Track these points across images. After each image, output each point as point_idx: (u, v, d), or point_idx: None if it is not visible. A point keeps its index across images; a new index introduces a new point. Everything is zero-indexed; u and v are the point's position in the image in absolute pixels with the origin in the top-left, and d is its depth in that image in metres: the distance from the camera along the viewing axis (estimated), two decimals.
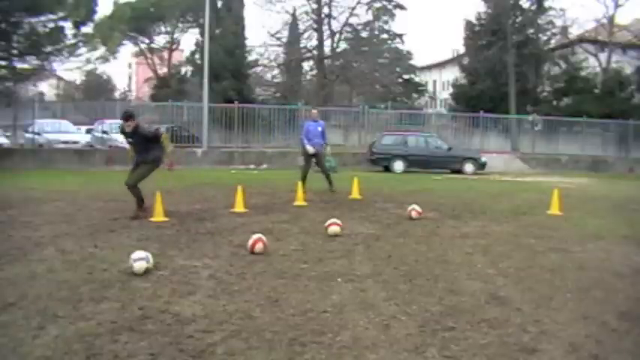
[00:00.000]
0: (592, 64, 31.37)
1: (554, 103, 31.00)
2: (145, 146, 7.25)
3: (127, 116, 7.17)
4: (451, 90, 35.80)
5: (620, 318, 3.74)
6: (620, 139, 25.61)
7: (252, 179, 13.80)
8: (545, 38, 31.64)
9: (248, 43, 32.88)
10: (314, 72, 36.66)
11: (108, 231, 6.34)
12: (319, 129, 11.00)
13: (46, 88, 43.82)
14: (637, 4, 57.91)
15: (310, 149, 10.91)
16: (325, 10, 34.11)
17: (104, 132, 20.99)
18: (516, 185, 14.82)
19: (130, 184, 7.30)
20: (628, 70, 30.42)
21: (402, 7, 37.95)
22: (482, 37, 31.11)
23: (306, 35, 35.36)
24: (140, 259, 4.46)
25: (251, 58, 34.24)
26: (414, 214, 7.80)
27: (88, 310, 3.59)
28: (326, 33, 34.67)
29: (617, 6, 30.18)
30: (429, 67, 56.70)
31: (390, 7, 37.71)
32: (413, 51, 53.75)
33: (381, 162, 19.37)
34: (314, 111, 11.73)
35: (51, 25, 20.35)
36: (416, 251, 5.69)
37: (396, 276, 4.69)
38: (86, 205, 8.55)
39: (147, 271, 4.45)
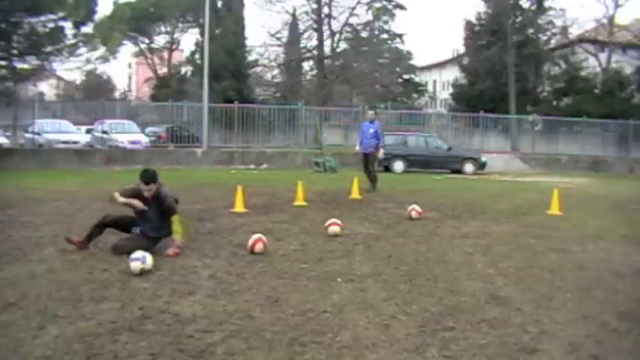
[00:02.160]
0: (592, 64, 31.39)
1: (554, 103, 31.04)
2: (160, 216, 5.28)
3: (148, 178, 5.17)
4: (451, 90, 35.83)
5: (620, 318, 3.73)
6: (620, 139, 25.63)
7: (252, 179, 13.80)
8: (545, 38, 31.68)
9: (248, 43, 32.97)
10: (314, 72, 36.67)
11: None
12: (371, 130, 11.23)
13: (46, 88, 43.85)
14: (637, 4, 58.00)
15: (357, 149, 11.44)
16: (325, 10, 34.13)
17: (104, 132, 20.99)
18: (516, 185, 14.82)
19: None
20: (628, 70, 30.45)
21: (402, 7, 38.02)
22: (482, 37, 31.14)
23: (306, 35, 35.41)
24: (136, 260, 4.46)
25: (251, 58, 34.28)
26: (414, 214, 7.80)
27: (88, 310, 3.59)
28: (326, 33, 34.68)
29: (617, 6, 30.26)
30: (429, 67, 56.74)
31: (390, 7, 37.77)
32: (413, 51, 53.93)
33: (381, 162, 19.36)
34: (369, 112, 11.86)
35: (51, 25, 20.36)
36: (416, 251, 5.69)
37: (396, 276, 4.69)
38: (86, 205, 8.54)
39: (143, 272, 4.44)
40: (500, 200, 10.69)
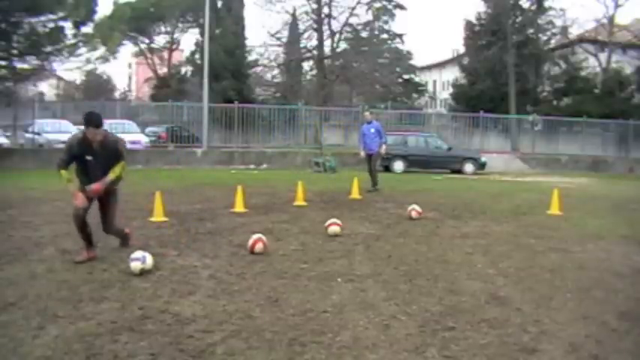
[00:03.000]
0: (592, 64, 31.38)
1: (554, 103, 31.03)
2: (108, 167, 4.96)
3: (95, 120, 4.79)
4: (451, 90, 35.82)
5: (620, 318, 3.73)
6: (620, 139, 25.63)
7: (252, 179, 13.80)
8: (545, 38, 31.66)
9: (248, 43, 32.97)
10: (314, 72, 36.67)
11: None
12: (372, 130, 11.39)
13: (46, 88, 43.80)
14: (637, 4, 58.01)
15: (362, 154, 11.62)
16: (325, 10, 34.14)
17: None
18: (516, 185, 14.81)
19: (112, 228, 5.25)
20: (628, 70, 30.44)
21: (402, 7, 38.01)
22: (482, 37, 31.13)
23: (306, 35, 35.41)
24: (136, 260, 4.46)
25: (251, 58, 34.28)
26: (414, 214, 7.81)
27: (88, 310, 3.59)
28: (326, 33, 34.69)
29: (617, 6, 30.25)
30: (429, 67, 56.72)
31: (390, 7, 37.76)
32: (413, 51, 53.93)
33: (381, 162, 19.36)
34: (366, 113, 12.03)
35: (51, 25, 20.35)
36: (416, 251, 5.69)
37: (396, 276, 4.69)
38: None
39: (143, 272, 4.44)
40: (500, 200, 10.69)
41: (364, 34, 37.96)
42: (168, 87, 37.36)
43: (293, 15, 34.38)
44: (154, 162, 18.41)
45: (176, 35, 43.12)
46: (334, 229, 6.39)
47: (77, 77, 45.19)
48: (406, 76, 43.33)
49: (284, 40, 35.10)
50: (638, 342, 3.37)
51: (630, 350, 3.24)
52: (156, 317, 3.50)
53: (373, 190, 11.13)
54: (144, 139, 20.82)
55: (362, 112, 23.85)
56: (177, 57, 44.98)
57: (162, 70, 43.40)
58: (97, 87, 47.47)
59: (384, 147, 11.48)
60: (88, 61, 25.08)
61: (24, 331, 3.22)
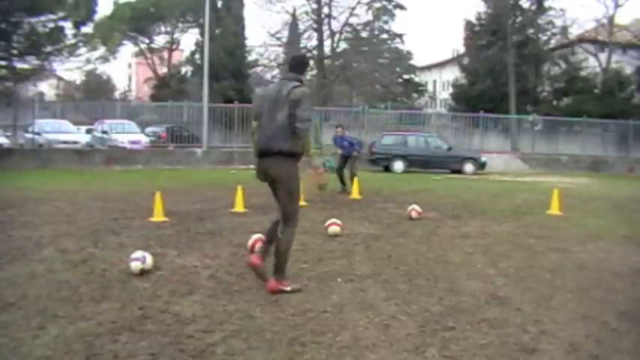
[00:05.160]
0: (592, 64, 31.39)
1: (554, 103, 31.04)
2: None
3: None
4: (451, 90, 35.81)
5: (620, 318, 3.73)
6: (620, 139, 25.64)
7: (252, 179, 13.78)
8: (545, 38, 31.65)
9: (248, 43, 32.96)
10: (314, 72, 36.67)
11: (108, 231, 6.34)
12: (345, 143, 11.61)
13: (46, 88, 43.77)
14: (637, 4, 57.97)
15: (340, 151, 11.77)
16: (325, 10, 34.13)
17: (104, 132, 20.99)
18: (516, 185, 14.82)
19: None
20: (628, 70, 30.44)
21: (402, 7, 37.96)
22: (483, 37, 31.13)
23: (306, 35, 35.40)
24: (136, 260, 4.46)
25: (251, 58, 34.27)
26: (414, 214, 7.81)
27: (88, 310, 3.59)
28: (326, 33, 34.68)
29: (617, 6, 30.26)
30: (429, 67, 56.68)
31: (390, 7, 37.71)
32: (413, 51, 53.89)
33: (381, 162, 19.38)
34: (338, 129, 12.16)
35: (51, 25, 20.39)
36: (416, 251, 5.69)
37: (396, 276, 4.69)
38: (86, 205, 8.54)
39: (143, 272, 4.44)
40: (500, 200, 10.69)
41: (364, 34, 37.92)
42: (168, 87, 37.35)
43: (293, 15, 34.38)
44: (154, 162, 18.42)
45: (176, 35, 43.15)
46: (334, 229, 6.39)
47: (77, 77, 45.21)
48: (406, 76, 43.27)
49: (284, 40, 35.10)
50: (638, 342, 3.37)
51: (630, 350, 3.24)
52: (156, 317, 3.50)
53: (342, 192, 11.03)
54: (144, 139, 20.84)
55: (362, 114, 24.00)
56: (177, 57, 44.99)
57: (163, 70, 43.39)
58: (97, 87, 47.42)
59: (354, 154, 11.59)
60: (88, 61, 25.15)
61: (24, 331, 3.22)
